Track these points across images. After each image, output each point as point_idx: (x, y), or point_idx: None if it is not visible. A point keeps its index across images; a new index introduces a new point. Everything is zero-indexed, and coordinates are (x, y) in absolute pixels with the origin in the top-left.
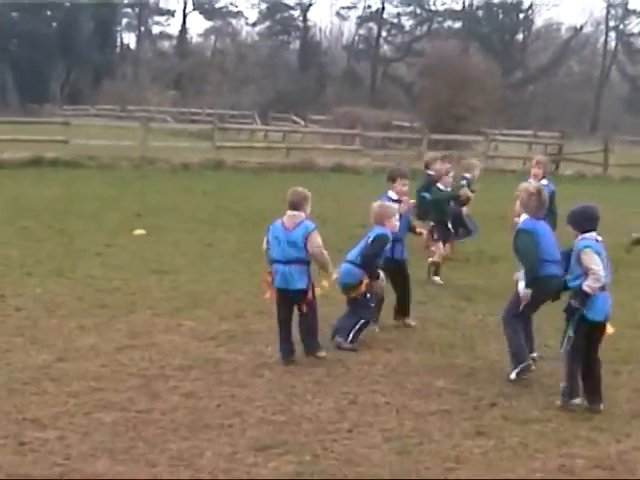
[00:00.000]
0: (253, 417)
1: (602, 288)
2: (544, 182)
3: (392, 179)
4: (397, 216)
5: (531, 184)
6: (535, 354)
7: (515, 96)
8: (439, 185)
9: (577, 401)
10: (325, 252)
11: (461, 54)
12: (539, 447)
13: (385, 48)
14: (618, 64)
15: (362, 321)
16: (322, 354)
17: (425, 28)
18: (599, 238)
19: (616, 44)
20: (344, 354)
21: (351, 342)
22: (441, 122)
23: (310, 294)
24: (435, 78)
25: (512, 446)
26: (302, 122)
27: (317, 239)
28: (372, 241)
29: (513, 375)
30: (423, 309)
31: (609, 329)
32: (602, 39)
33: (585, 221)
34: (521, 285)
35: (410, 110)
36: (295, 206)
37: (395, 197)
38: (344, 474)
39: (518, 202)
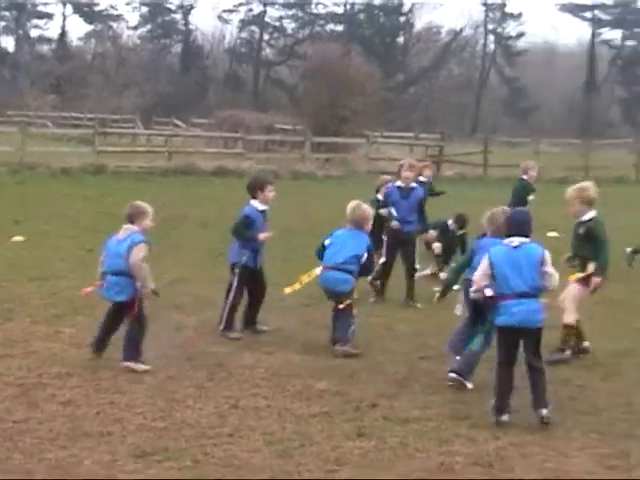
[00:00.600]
0: (133, 424)
1: (507, 296)
2: (413, 185)
3: (260, 187)
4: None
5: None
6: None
7: (397, 98)
8: (378, 196)
9: (504, 418)
10: (144, 266)
11: (343, 57)
12: (419, 446)
13: (267, 51)
14: (497, 66)
15: (353, 325)
16: (138, 367)
17: (307, 31)
18: (515, 243)
19: (495, 47)
20: (225, 358)
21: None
22: (324, 125)
23: (134, 307)
24: (317, 81)
25: (392, 446)
26: (184, 126)
27: (139, 253)
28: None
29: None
30: (306, 311)
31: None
32: (481, 42)
33: (510, 226)
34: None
35: (293, 113)
36: (131, 219)
37: (261, 207)
38: (225, 479)
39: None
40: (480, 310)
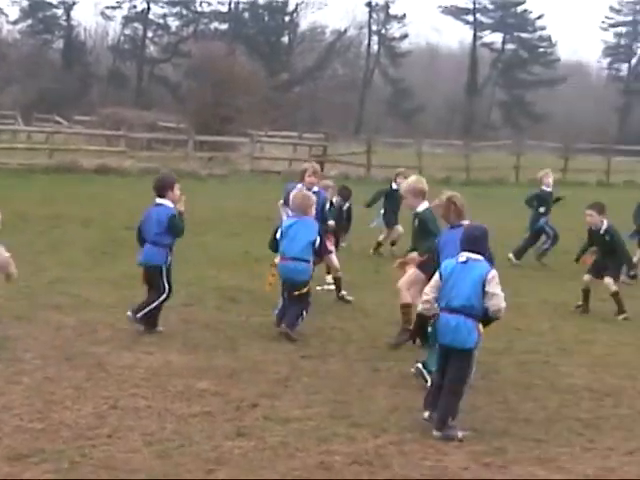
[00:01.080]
0: (9, 425)
1: (443, 309)
2: (315, 189)
3: (170, 186)
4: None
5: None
6: None
7: (281, 97)
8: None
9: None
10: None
11: (227, 55)
12: (299, 445)
13: (151, 49)
14: (381, 67)
15: (304, 312)
16: None
17: (191, 29)
18: (462, 259)
19: (379, 47)
20: (104, 358)
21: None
22: (207, 123)
23: None
24: (201, 79)
25: (273, 446)
26: (66, 123)
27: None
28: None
29: None
30: (188, 311)
31: None
32: (365, 42)
33: (462, 241)
34: None
35: (176, 111)
36: None
37: (172, 205)
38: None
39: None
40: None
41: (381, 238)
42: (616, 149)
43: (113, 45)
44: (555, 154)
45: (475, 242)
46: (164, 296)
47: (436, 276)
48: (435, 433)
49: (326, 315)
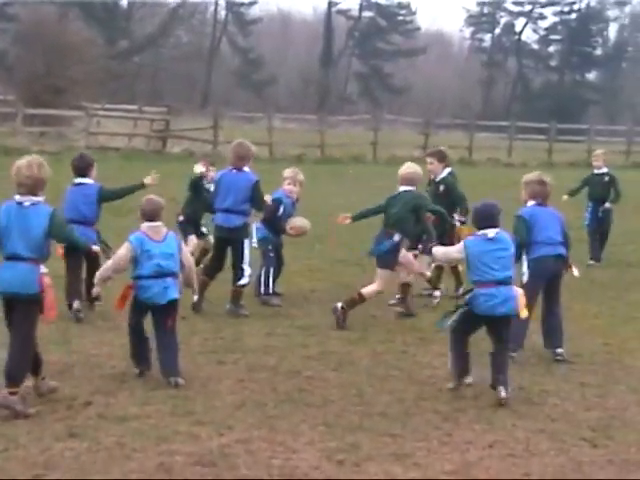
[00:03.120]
0: None
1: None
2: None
3: (92, 165)
4: None
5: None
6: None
7: (120, 68)
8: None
9: (469, 380)
10: None
11: (59, 20)
12: (137, 446)
13: None
14: (228, 35)
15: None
16: None
17: None
18: (490, 235)
19: (226, 14)
20: None
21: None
22: (37, 95)
23: None
24: (30, 46)
25: (108, 446)
26: None
27: None
28: None
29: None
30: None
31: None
32: (212, 8)
33: (481, 219)
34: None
35: (2, 82)
36: None
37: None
38: None
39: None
40: None
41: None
42: (479, 125)
43: None
44: (415, 130)
45: (493, 218)
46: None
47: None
48: (504, 394)
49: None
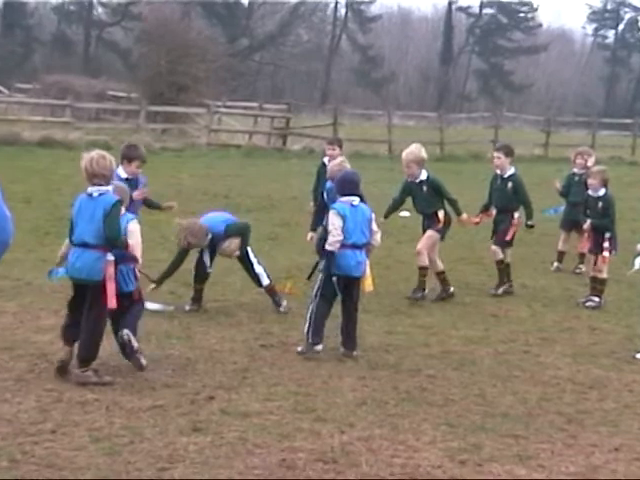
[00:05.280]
0: None
1: (349, 246)
2: None
3: (129, 159)
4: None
5: None
6: None
7: (241, 65)
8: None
9: (319, 347)
10: None
11: (182, 19)
12: (259, 442)
13: (99, 11)
14: (348, 33)
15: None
16: None
17: None
18: (355, 202)
19: (346, 11)
20: (47, 347)
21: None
22: (160, 93)
23: None
24: (154, 45)
25: (230, 442)
26: (6, 91)
27: None
28: None
29: None
30: None
31: (368, 287)
32: (332, 6)
33: (344, 186)
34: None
35: (127, 79)
36: None
37: (125, 176)
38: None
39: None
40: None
41: None
42: (602, 122)
43: (57, 6)
44: (536, 127)
45: (356, 185)
46: None
47: (338, 218)
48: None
49: (289, 301)
